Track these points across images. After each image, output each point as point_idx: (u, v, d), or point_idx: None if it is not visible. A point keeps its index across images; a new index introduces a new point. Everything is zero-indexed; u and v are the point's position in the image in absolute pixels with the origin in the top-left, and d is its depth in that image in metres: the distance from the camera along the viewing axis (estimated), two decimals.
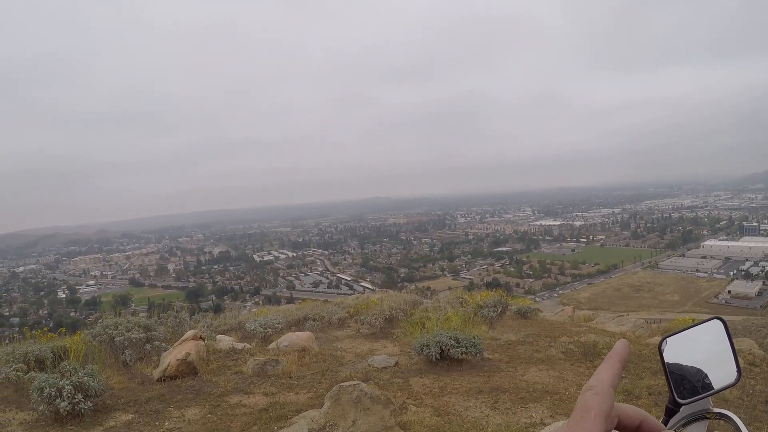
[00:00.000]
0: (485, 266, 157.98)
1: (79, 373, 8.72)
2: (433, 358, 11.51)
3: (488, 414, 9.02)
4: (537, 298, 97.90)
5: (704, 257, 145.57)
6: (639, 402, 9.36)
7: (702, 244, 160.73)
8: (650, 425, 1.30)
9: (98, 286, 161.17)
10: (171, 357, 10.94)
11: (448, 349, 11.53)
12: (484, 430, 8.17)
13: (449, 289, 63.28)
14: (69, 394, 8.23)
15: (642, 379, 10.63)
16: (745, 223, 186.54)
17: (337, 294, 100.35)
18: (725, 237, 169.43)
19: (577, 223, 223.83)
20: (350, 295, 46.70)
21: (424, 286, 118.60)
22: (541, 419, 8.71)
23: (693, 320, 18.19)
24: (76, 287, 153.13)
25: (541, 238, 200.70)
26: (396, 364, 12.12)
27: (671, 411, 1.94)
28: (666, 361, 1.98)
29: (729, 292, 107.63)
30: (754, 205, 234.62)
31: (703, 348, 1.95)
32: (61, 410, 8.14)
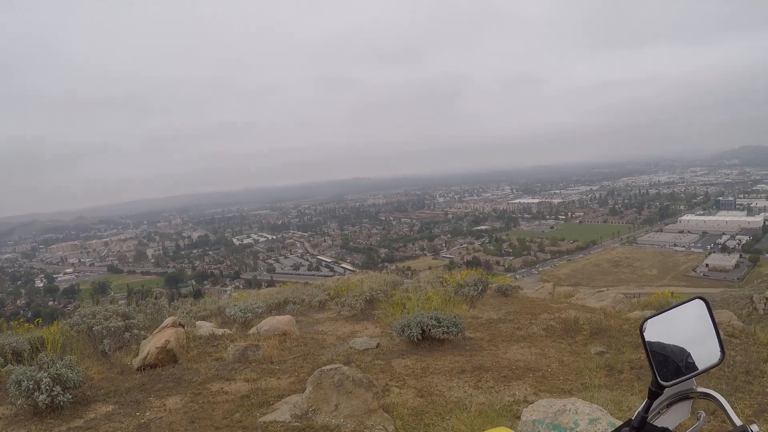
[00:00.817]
0: (465, 245, 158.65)
1: (57, 365, 8.61)
2: (415, 339, 11.49)
3: (471, 393, 9.03)
4: (517, 276, 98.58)
5: (681, 232, 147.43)
6: (621, 376, 9.44)
7: (679, 219, 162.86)
8: None
9: (76, 273, 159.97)
10: (150, 345, 10.85)
11: (430, 330, 11.51)
12: (467, 409, 8.17)
13: (429, 268, 63.45)
14: (47, 387, 8.11)
15: (623, 353, 10.70)
16: (721, 198, 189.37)
17: (318, 276, 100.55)
18: (702, 212, 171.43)
19: (556, 201, 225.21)
20: (330, 276, 46.75)
21: (404, 266, 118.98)
22: (524, 396, 8.73)
23: (672, 294, 18.46)
24: (54, 276, 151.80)
25: (520, 216, 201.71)
26: (377, 345, 12.10)
27: (654, 393, 1.92)
28: (648, 341, 1.95)
29: (707, 265, 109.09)
30: (729, 181, 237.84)
31: (686, 328, 1.93)
32: (40, 403, 8.03)
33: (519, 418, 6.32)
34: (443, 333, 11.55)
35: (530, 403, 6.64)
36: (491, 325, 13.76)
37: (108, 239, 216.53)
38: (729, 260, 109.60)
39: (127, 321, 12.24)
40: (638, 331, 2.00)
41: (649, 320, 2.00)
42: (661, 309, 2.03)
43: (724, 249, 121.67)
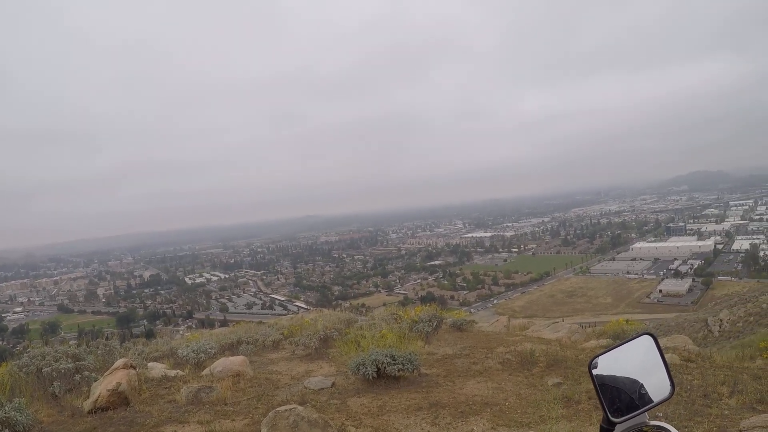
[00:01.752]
0: (419, 280, 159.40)
1: (6, 408, 8.40)
2: (370, 377, 11.43)
3: (429, 430, 8.99)
4: (472, 310, 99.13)
5: (634, 259, 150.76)
6: (579, 407, 9.49)
7: (631, 246, 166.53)
8: None
9: (26, 313, 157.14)
10: (101, 387, 10.62)
11: (385, 367, 11.47)
12: None
13: (384, 305, 63.44)
14: None
15: (580, 383, 10.76)
16: (671, 224, 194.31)
17: (271, 315, 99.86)
18: (653, 239, 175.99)
19: (508, 234, 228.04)
20: (284, 315, 46.40)
21: (358, 304, 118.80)
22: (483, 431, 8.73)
23: (627, 321, 18.62)
24: (3, 315, 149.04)
25: (473, 250, 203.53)
26: (333, 384, 12.01)
27: (606, 430, 1.92)
28: (600, 374, 1.97)
29: (660, 291, 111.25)
30: (679, 207, 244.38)
31: (635, 363, 1.95)
32: None
33: None
34: (399, 370, 11.51)
35: None
36: (447, 361, 13.76)
37: (58, 278, 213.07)
38: (682, 285, 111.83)
39: (77, 362, 11.99)
40: (588, 361, 2.01)
41: (598, 357, 2.03)
42: (611, 346, 2.05)
43: (677, 274, 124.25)
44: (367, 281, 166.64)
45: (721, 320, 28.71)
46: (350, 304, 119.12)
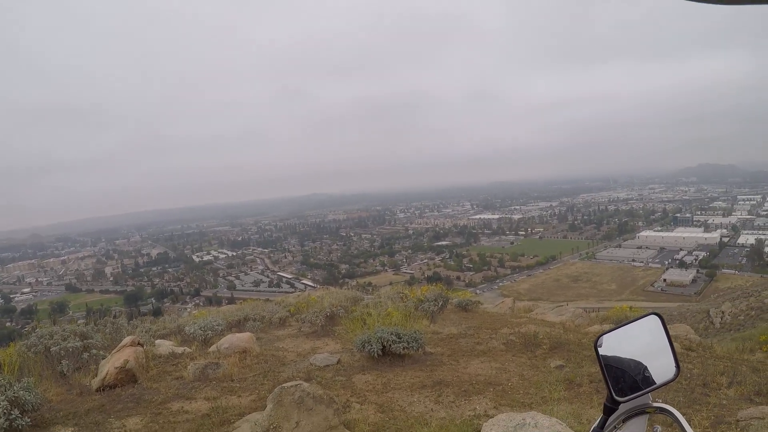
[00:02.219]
0: (426, 260, 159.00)
1: (15, 387, 8.44)
2: (375, 355, 11.53)
3: (432, 408, 9.08)
4: (477, 291, 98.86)
5: (640, 247, 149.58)
6: (580, 390, 9.55)
7: (637, 235, 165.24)
8: None
9: (34, 293, 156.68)
10: (109, 365, 10.70)
11: (390, 345, 11.55)
12: (428, 424, 8.21)
13: (390, 284, 63.31)
14: (5, 410, 7.94)
15: (582, 367, 10.83)
16: (678, 215, 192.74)
17: (278, 292, 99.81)
18: (660, 228, 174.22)
19: (516, 217, 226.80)
20: (291, 293, 46.43)
21: (365, 282, 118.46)
22: (485, 411, 8.79)
23: (630, 308, 18.60)
24: (11, 296, 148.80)
25: (480, 231, 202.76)
26: (338, 362, 12.09)
27: (610, 409, 1.96)
28: (604, 355, 2.00)
29: (664, 280, 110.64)
30: (687, 198, 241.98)
31: (641, 343, 1.97)
32: None
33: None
34: (404, 348, 11.59)
35: (491, 417, 6.69)
36: (452, 340, 13.82)
37: (66, 257, 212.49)
38: (686, 275, 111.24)
39: (85, 341, 12.05)
40: (594, 340, 2.03)
41: (604, 336, 2.03)
42: (617, 324, 2.07)
43: (682, 264, 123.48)
44: (374, 260, 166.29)
45: (723, 312, 28.71)
46: (357, 282, 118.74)
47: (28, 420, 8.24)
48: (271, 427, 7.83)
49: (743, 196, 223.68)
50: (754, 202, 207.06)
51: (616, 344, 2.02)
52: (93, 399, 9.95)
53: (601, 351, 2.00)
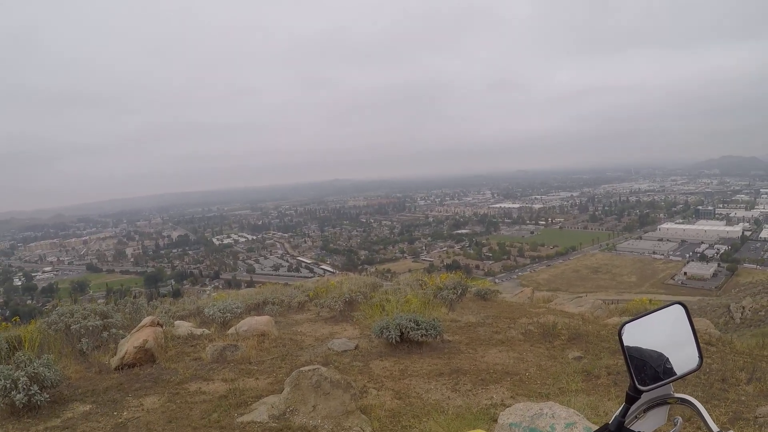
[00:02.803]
0: (445, 248, 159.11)
1: (35, 364, 8.51)
2: (393, 341, 11.53)
3: (449, 396, 9.08)
4: (497, 280, 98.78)
5: (661, 240, 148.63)
6: (598, 382, 9.51)
7: (659, 227, 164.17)
8: None
9: (55, 272, 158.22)
10: (128, 344, 10.78)
11: (408, 332, 11.55)
12: (444, 411, 8.22)
13: (409, 271, 63.44)
14: (25, 386, 8.02)
15: (601, 359, 10.78)
16: (700, 207, 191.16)
17: (297, 277, 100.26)
18: (681, 220, 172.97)
19: (536, 206, 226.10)
20: (310, 278, 46.64)
21: (384, 269, 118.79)
22: (502, 400, 8.79)
23: (650, 301, 18.50)
24: (33, 274, 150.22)
25: (500, 220, 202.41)
26: (356, 347, 12.11)
27: (632, 398, 1.93)
28: (626, 345, 1.97)
29: (685, 273, 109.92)
30: (709, 190, 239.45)
31: (664, 333, 1.94)
32: (17, 403, 7.95)
33: (496, 421, 6.35)
34: (422, 335, 11.59)
35: (507, 407, 6.67)
36: (470, 329, 13.80)
37: (87, 238, 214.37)
38: (707, 269, 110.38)
39: (105, 320, 12.14)
40: (616, 337, 2.00)
41: (627, 324, 2.01)
42: (641, 313, 2.04)
43: (703, 258, 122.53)
44: (393, 247, 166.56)
45: (743, 307, 28.48)
46: (376, 268, 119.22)
47: (47, 396, 8.33)
48: (288, 410, 7.86)
49: (766, 189, 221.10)
50: None
51: (640, 333, 2.00)
52: (111, 377, 10.03)
53: (625, 339, 1.98)
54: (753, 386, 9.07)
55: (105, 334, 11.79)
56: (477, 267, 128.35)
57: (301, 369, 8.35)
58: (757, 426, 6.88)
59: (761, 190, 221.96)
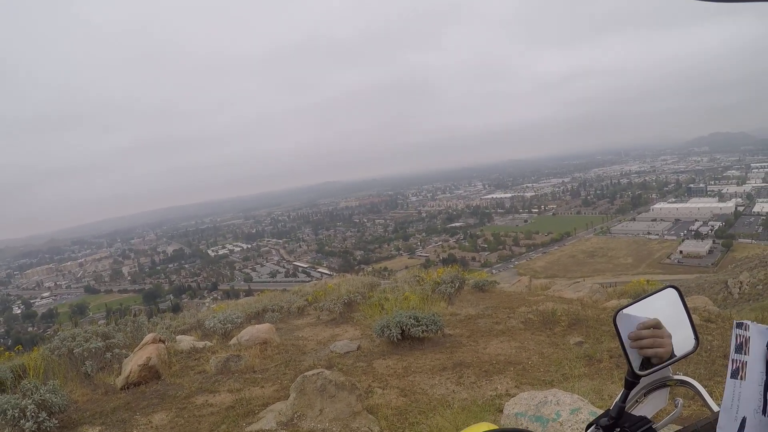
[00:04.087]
0: (440, 243, 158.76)
1: (41, 391, 8.57)
2: (395, 339, 11.58)
3: (454, 390, 9.14)
4: (493, 271, 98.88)
5: (654, 220, 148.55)
6: (600, 365, 9.56)
7: (652, 207, 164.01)
8: None
9: (53, 297, 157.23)
10: (132, 363, 10.83)
11: (409, 329, 11.60)
12: (450, 406, 8.27)
13: (406, 268, 63.41)
14: (33, 414, 8.07)
15: (602, 342, 10.84)
16: (692, 185, 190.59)
17: (295, 282, 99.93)
18: (674, 199, 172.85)
19: (528, 194, 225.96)
20: (308, 282, 46.61)
21: (380, 267, 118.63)
22: (506, 390, 8.85)
23: (648, 281, 18.49)
24: (31, 301, 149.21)
25: (493, 211, 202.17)
26: (358, 348, 12.17)
27: (631, 383, 1.96)
28: (622, 333, 2.00)
29: (681, 252, 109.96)
30: (700, 168, 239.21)
31: (660, 317, 1.96)
32: (27, 431, 8.01)
33: (502, 411, 6.41)
34: (423, 331, 11.64)
35: (512, 397, 6.73)
36: (470, 321, 13.85)
37: (83, 260, 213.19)
38: (702, 246, 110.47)
39: (107, 341, 12.17)
40: (612, 315, 2.03)
41: (622, 311, 2.03)
42: (635, 299, 2.06)
43: (698, 235, 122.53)
44: (388, 245, 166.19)
45: (741, 282, 28.49)
46: (372, 268, 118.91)
47: (56, 422, 8.38)
48: (295, 415, 7.92)
49: (757, 164, 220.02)
50: None
51: (635, 318, 2.01)
52: (118, 397, 10.08)
53: (620, 325, 1.99)
54: None
55: (108, 354, 11.83)
56: (473, 259, 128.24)
57: (305, 374, 8.41)
58: None
59: (752, 165, 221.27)
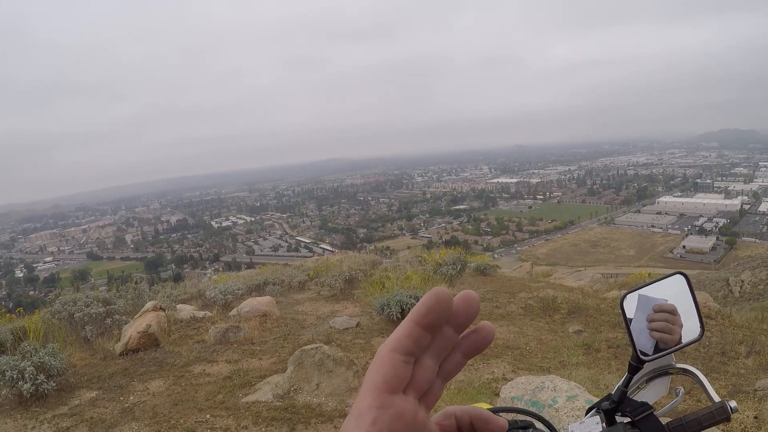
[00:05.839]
0: (443, 224, 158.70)
1: (40, 353, 8.59)
2: (394, 318, 11.58)
3: None
4: (496, 255, 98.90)
5: (659, 213, 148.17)
6: (598, 355, 9.59)
7: (657, 200, 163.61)
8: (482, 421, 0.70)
9: (56, 262, 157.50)
10: (132, 330, 10.85)
11: (409, 308, 11.58)
12: (446, 387, 8.26)
13: (408, 248, 63.48)
14: (31, 376, 8.09)
15: (601, 332, 10.84)
16: (699, 180, 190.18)
17: (297, 257, 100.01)
18: (680, 193, 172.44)
19: (534, 181, 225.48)
20: (310, 257, 46.64)
21: (383, 246, 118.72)
22: (503, 374, 8.86)
23: (649, 274, 18.54)
24: (34, 265, 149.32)
25: (498, 195, 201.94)
26: (357, 324, 12.19)
27: (634, 368, 1.94)
28: (628, 317, 1.97)
29: (684, 247, 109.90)
30: (707, 163, 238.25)
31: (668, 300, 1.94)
32: (25, 392, 8.01)
33: (498, 395, 6.42)
34: None
35: (509, 381, 6.74)
36: None
37: (86, 226, 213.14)
38: (706, 242, 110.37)
39: (108, 307, 12.19)
40: (616, 311, 2.02)
41: (629, 294, 2.00)
42: (642, 283, 2.03)
43: (702, 231, 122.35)
44: (391, 224, 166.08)
45: (742, 281, 28.49)
46: (375, 246, 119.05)
47: (54, 384, 8.41)
48: (292, 388, 7.94)
49: (765, 162, 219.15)
50: None
51: (642, 303, 1.99)
52: (116, 363, 10.11)
53: (626, 309, 1.97)
54: (752, 359, 9.15)
55: (108, 320, 11.85)
56: (476, 242, 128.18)
57: (303, 348, 8.43)
58: (756, 399, 6.94)
59: (760, 163, 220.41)
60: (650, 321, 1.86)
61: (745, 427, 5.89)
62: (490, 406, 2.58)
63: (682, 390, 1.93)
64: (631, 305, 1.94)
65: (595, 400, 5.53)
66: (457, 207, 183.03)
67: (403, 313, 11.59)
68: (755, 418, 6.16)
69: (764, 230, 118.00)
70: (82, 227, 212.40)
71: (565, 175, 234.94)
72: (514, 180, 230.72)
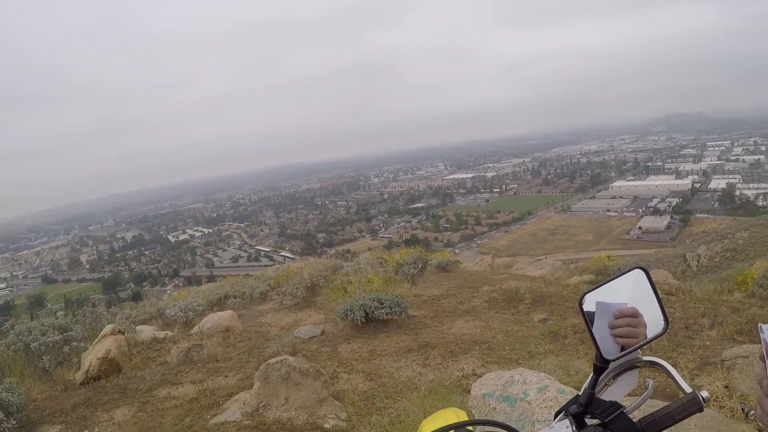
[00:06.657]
0: (403, 224, 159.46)
1: None
2: (359, 322, 11.54)
3: (420, 372, 9.13)
4: (456, 250, 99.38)
5: (614, 197, 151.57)
6: (566, 341, 9.62)
7: (611, 185, 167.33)
8: None
9: (10, 288, 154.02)
10: (91, 357, 10.58)
11: (373, 312, 11.57)
12: (417, 388, 8.23)
13: (369, 249, 63.48)
14: None
15: (566, 318, 10.94)
16: (650, 164, 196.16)
17: (258, 266, 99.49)
18: (632, 177, 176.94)
19: (490, 174, 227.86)
20: (270, 266, 46.43)
21: (343, 250, 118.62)
22: (473, 370, 8.87)
23: (609, 257, 18.73)
24: None
25: (455, 191, 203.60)
26: (322, 332, 12.09)
27: (600, 368, 1.87)
28: (589, 312, 1.90)
29: (640, 227, 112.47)
30: (657, 147, 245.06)
31: (627, 299, 1.87)
32: None
33: (469, 392, 6.37)
34: (387, 314, 11.60)
35: (479, 376, 6.70)
36: (434, 302, 13.86)
37: (39, 248, 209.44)
38: (661, 222, 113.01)
39: (65, 334, 11.87)
40: (578, 298, 1.94)
41: (587, 294, 1.94)
42: (601, 281, 1.97)
43: (656, 211, 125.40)
44: (351, 227, 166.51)
45: (699, 256, 29.19)
46: (335, 250, 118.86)
47: (14, 422, 8.12)
48: (260, 405, 7.81)
49: (712, 143, 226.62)
50: (723, 147, 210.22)
51: (602, 301, 1.93)
52: (78, 393, 9.85)
53: (586, 309, 1.91)
54: (716, 331, 9.26)
55: (66, 348, 11.53)
56: (436, 239, 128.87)
57: (269, 362, 8.29)
58: (725, 369, 6.98)
59: (707, 143, 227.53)
60: (612, 327, 1.81)
61: (717, 397, 5.92)
62: (461, 412, 2.49)
63: (651, 382, 1.88)
64: (590, 305, 1.88)
65: (565, 389, 5.49)
66: (415, 205, 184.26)
67: (368, 317, 11.55)
68: (725, 387, 6.20)
69: (716, 206, 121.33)
70: (35, 249, 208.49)
71: (520, 167, 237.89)
72: (470, 175, 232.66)
